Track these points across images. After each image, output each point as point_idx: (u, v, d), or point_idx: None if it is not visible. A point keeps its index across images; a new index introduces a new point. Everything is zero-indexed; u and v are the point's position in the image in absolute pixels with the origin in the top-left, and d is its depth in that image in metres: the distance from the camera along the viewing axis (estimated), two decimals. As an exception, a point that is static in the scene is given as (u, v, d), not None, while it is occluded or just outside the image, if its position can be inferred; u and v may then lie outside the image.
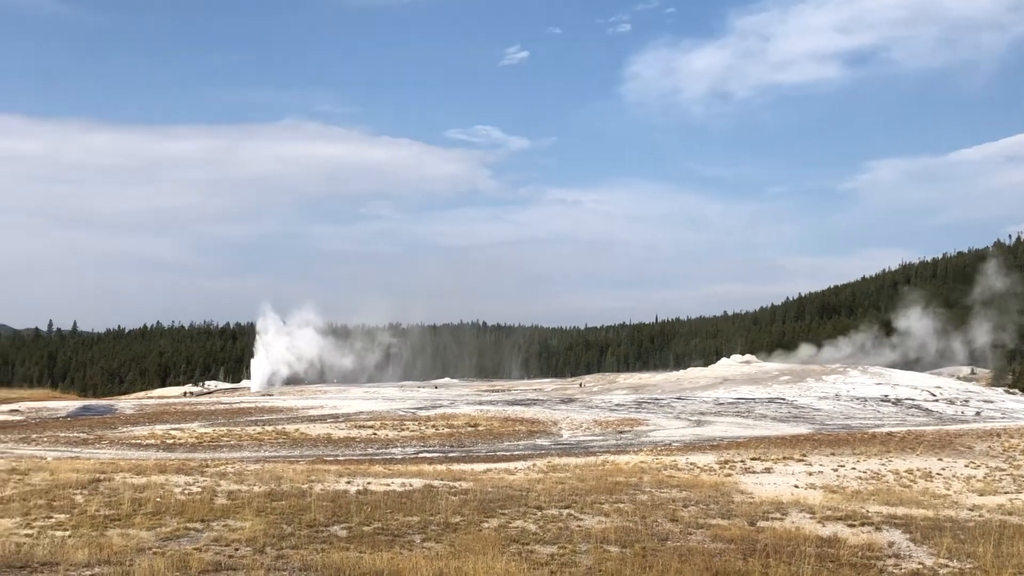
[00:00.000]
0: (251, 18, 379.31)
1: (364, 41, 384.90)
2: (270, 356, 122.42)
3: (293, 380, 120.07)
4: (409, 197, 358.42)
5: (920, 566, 12.54)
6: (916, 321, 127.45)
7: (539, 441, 38.61)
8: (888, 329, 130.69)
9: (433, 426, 43.51)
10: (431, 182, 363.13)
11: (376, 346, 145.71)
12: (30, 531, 14.11)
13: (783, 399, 61.95)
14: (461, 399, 66.97)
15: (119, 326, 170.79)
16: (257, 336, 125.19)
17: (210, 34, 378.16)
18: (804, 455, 28.05)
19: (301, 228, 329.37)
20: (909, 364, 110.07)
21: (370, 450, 35.03)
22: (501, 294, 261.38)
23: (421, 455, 32.73)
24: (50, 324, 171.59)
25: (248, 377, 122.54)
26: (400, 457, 31.79)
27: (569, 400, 64.50)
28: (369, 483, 19.47)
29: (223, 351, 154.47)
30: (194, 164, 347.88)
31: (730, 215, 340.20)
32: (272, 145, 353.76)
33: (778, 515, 16.41)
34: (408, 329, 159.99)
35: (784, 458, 27.12)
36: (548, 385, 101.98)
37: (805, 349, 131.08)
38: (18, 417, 49.73)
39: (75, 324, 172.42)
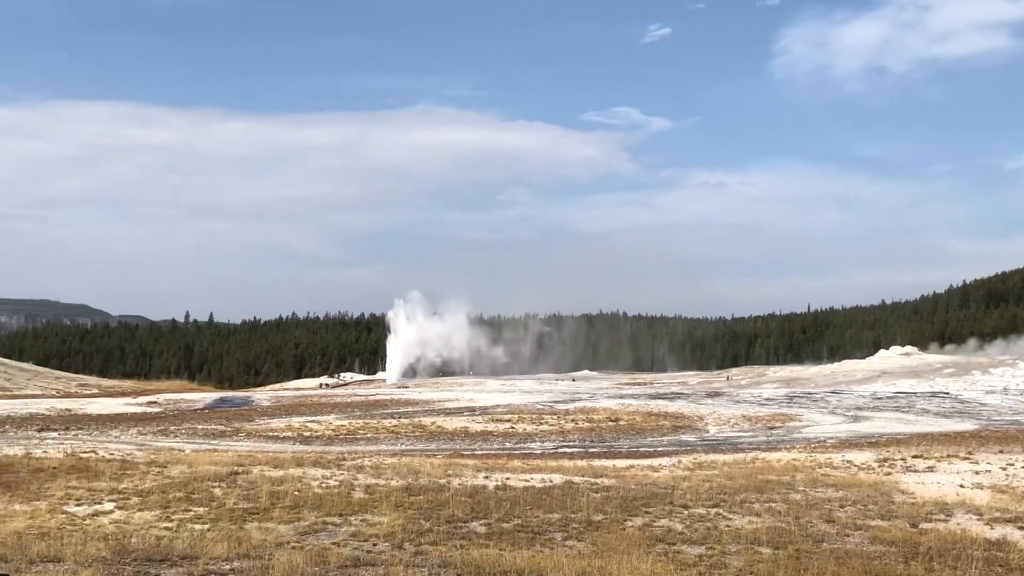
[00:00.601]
0: (383, 3, 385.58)
1: (499, 23, 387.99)
2: (421, 342, 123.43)
3: (442, 371, 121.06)
4: (545, 183, 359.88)
5: (1101, 574, 12.04)
6: None
7: (684, 437, 38.31)
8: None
9: (572, 420, 43.54)
10: (568, 167, 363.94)
11: (528, 335, 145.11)
12: (169, 524, 14.62)
13: (946, 393, 60.13)
14: (601, 392, 66.90)
15: (255, 317, 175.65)
16: (393, 325, 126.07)
17: (341, 20, 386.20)
18: (970, 453, 27.19)
19: (434, 216, 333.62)
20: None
21: (508, 444, 35.24)
22: (642, 283, 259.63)
23: (560, 450, 32.80)
24: (187, 315, 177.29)
25: (383, 368, 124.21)
26: (539, 452, 31.92)
27: (715, 394, 63.84)
28: (508, 478, 19.61)
29: (358, 342, 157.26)
30: (326, 152, 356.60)
31: (888, 196, 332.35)
32: (405, 131, 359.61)
33: (942, 516, 15.96)
34: (562, 318, 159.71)
35: (948, 456, 26.34)
36: (693, 378, 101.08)
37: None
38: (156, 409, 51.47)
39: (211, 315, 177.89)
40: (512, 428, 40.53)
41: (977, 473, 23.50)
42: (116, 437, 36.01)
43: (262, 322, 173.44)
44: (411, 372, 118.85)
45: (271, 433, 38.34)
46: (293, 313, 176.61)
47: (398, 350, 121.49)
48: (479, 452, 31.42)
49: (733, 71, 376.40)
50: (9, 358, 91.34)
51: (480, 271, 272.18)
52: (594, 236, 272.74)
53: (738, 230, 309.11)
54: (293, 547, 12.27)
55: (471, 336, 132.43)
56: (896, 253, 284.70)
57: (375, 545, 12.80)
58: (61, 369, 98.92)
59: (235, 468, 20.13)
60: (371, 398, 61.27)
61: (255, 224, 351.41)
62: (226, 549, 11.70)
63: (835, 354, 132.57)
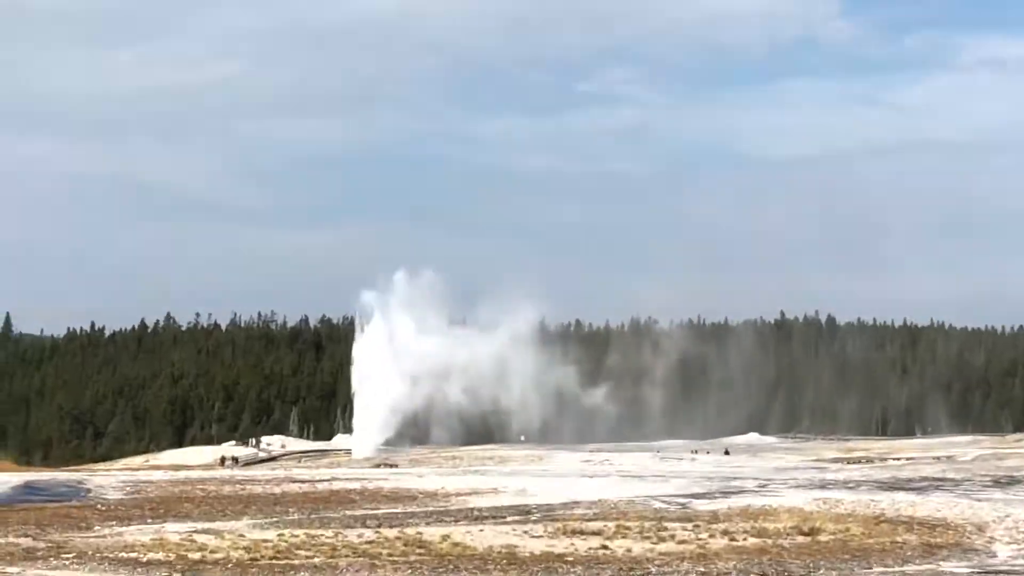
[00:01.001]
0: None
1: None
2: (438, 372, 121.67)
3: (478, 434, 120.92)
4: (676, 59, 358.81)
5: None
6: None
7: (947, 566, 38.18)
8: None
9: (725, 532, 43.53)
10: (720, 27, 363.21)
11: (659, 362, 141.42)
12: None
13: None
14: (780, 477, 66.89)
15: (93, 325, 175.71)
16: (367, 338, 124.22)
17: None
18: None
19: (454, 126, 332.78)
20: None
21: (595, 581, 35.29)
22: (867, 259, 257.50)
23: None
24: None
25: (346, 428, 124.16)
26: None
27: (1011, 480, 63.66)
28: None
29: (297, 375, 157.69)
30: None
31: None
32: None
33: None
34: (720, 328, 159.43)
35: None
36: (964, 448, 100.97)
37: None
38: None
39: (7, 319, 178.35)
40: (605, 548, 40.49)
41: None
42: None
43: (107, 335, 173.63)
44: (410, 431, 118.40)
45: (125, 555, 38.49)
46: (169, 317, 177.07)
47: (380, 390, 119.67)
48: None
49: None
50: None
51: (551, 237, 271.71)
52: (771, 165, 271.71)
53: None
54: None
55: (540, 366, 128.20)
56: None
57: None
58: None
59: (54, 626, 20.22)
60: (322, 486, 61.50)
61: (94, 142, 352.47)
62: None
63: None
